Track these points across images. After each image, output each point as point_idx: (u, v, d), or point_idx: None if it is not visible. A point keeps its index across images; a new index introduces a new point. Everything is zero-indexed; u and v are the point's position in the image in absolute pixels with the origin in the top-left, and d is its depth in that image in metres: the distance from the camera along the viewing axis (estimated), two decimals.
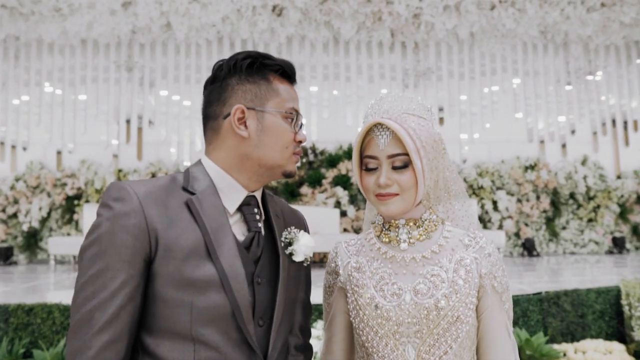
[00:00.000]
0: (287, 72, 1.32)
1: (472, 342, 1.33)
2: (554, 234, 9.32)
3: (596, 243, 9.41)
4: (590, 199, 9.46)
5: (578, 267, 7.29)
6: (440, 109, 9.81)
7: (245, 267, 1.22)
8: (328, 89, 9.71)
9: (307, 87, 9.57)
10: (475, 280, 1.31)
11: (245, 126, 1.27)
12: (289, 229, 1.35)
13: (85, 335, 1.11)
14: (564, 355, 4.21)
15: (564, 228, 9.42)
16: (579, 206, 9.48)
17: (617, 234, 9.44)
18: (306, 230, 1.46)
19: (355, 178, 1.40)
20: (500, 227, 9.04)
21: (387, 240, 1.37)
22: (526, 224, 9.29)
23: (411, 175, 1.30)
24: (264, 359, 1.23)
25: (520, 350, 4.01)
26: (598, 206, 9.44)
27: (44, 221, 8.96)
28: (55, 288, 5.88)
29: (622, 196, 9.48)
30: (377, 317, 1.31)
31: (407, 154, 1.30)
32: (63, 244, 7.75)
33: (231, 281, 1.18)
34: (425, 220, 1.36)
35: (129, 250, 1.15)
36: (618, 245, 9.16)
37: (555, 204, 9.37)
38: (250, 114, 1.26)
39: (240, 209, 1.29)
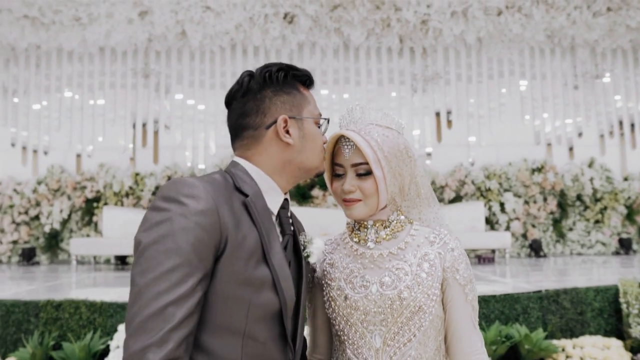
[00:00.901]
0: (310, 81, 1.44)
1: (437, 332, 1.42)
2: (561, 235, 9.47)
3: (603, 244, 9.54)
4: (597, 200, 9.59)
5: (585, 268, 7.44)
6: (449, 112, 9.99)
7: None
8: (338, 93, 9.94)
9: (318, 91, 9.81)
10: (439, 274, 1.41)
11: (289, 134, 1.35)
12: (303, 233, 1.45)
13: (161, 330, 1.08)
14: (563, 350, 4.40)
15: (570, 229, 9.57)
16: (586, 208, 9.62)
17: (624, 235, 9.56)
18: (302, 227, 1.56)
19: (327, 183, 1.51)
20: (508, 228, 9.21)
21: (357, 239, 1.47)
22: (533, 226, 9.45)
23: (373, 182, 1.40)
24: (292, 347, 1.33)
25: (519, 345, 4.22)
26: (605, 208, 9.58)
27: (64, 223, 9.28)
28: (77, 287, 6.17)
29: (629, 198, 9.60)
30: (347, 307, 1.41)
31: (367, 162, 1.39)
32: (84, 244, 8.05)
33: (282, 281, 1.25)
34: (393, 221, 1.46)
35: (205, 248, 1.15)
36: (624, 246, 9.29)
37: (562, 206, 9.51)
38: (291, 122, 1.35)
39: (278, 212, 1.36)
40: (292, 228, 1.38)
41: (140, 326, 1.08)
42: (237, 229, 1.20)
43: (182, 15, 8.82)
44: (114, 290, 5.52)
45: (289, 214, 1.40)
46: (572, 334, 4.67)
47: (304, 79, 1.41)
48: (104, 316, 4.37)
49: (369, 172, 1.40)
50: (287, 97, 1.36)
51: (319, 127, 1.41)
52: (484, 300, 4.51)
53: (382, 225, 1.46)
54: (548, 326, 4.60)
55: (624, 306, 4.74)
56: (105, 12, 8.83)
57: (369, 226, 1.46)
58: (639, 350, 4.53)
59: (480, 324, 4.39)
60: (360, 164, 1.40)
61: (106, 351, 4.17)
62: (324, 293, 1.49)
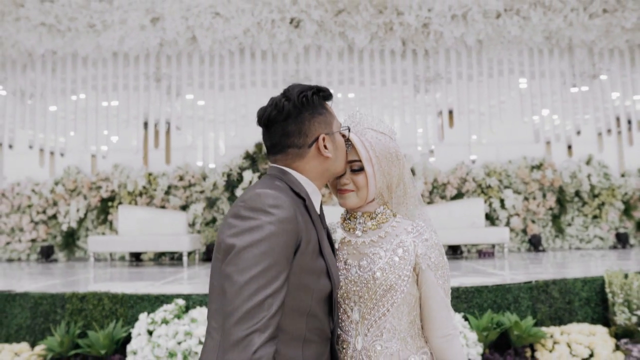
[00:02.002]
0: (331, 96, 1.64)
1: (410, 308, 1.62)
2: (559, 230, 9.76)
3: (601, 239, 9.82)
4: (595, 196, 9.87)
5: (582, 261, 7.72)
6: (450, 112, 10.30)
7: None
8: (343, 92, 10.27)
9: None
10: (411, 259, 1.61)
11: (327, 149, 1.57)
12: (329, 223, 1.73)
13: (263, 317, 1.31)
14: (551, 336, 4.72)
15: (569, 225, 9.86)
16: (584, 204, 9.90)
17: (622, 230, 9.84)
18: None
19: None
20: (508, 224, 9.51)
21: (347, 228, 1.71)
22: (533, 221, 9.74)
23: (364, 177, 1.64)
24: (332, 320, 1.59)
25: (509, 331, 4.54)
26: (603, 203, 9.85)
27: (80, 222, 9.68)
28: (96, 281, 6.52)
29: (626, 194, 9.87)
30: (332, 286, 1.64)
31: (359, 160, 1.65)
32: (101, 242, 8.43)
33: (332, 269, 1.53)
34: (379, 213, 1.68)
35: (290, 249, 1.39)
36: (622, 240, 9.56)
37: (561, 202, 9.80)
38: (327, 138, 1.57)
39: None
40: (326, 224, 1.66)
41: (245, 315, 1.30)
42: (306, 230, 1.45)
43: (193, 21, 9.18)
44: (132, 284, 5.89)
45: (322, 211, 1.66)
46: (560, 321, 4.98)
47: (328, 96, 1.62)
48: (125, 307, 4.73)
49: (361, 169, 1.64)
50: (321, 117, 1.57)
51: (342, 136, 1.65)
52: (477, 291, 4.83)
53: (369, 216, 1.68)
54: (537, 314, 4.92)
55: (609, 295, 5.05)
56: (119, 19, 9.21)
57: (358, 216, 1.69)
58: (624, 336, 4.84)
59: (473, 312, 4.73)
60: (355, 161, 1.65)
61: (128, 338, 4.53)
62: None
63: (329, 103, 1.64)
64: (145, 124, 10.17)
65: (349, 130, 1.65)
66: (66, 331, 4.57)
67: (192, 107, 10.22)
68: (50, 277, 6.85)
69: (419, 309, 1.66)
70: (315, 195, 1.58)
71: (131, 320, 4.68)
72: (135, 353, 4.19)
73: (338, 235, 1.69)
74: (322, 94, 1.59)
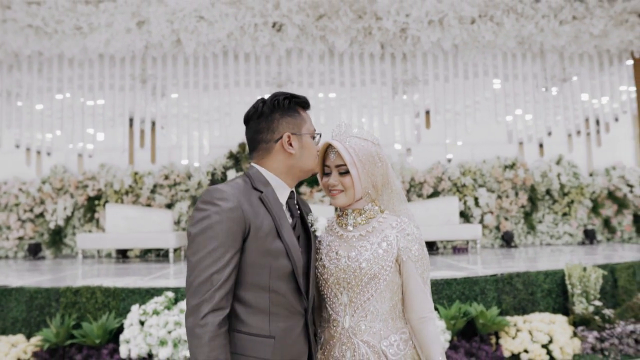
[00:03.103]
0: (308, 105, 1.89)
1: (392, 294, 1.87)
2: (531, 227, 10.22)
3: (570, 235, 10.30)
4: (565, 195, 10.34)
5: (552, 256, 8.14)
6: (427, 112, 10.69)
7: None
8: (324, 92, 10.59)
9: (306, 91, 10.46)
10: (394, 251, 1.85)
11: (292, 146, 1.80)
12: (310, 214, 1.93)
13: (208, 291, 1.59)
14: (514, 325, 5.10)
15: (540, 222, 10.32)
16: (555, 201, 10.37)
17: (589, 227, 10.32)
18: (310, 209, 2.04)
19: (319, 179, 2.01)
20: (482, 221, 9.93)
21: (340, 224, 1.97)
22: (506, 218, 10.18)
23: (350, 179, 1.88)
24: (306, 299, 1.80)
25: (475, 320, 4.92)
26: (572, 201, 10.33)
27: (68, 220, 9.89)
28: (86, 277, 6.75)
29: (594, 192, 10.36)
30: (325, 273, 1.89)
31: (345, 164, 1.89)
32: (89, 239, 8.65)
33: (292, 251, 1.73)
34: (367, 210, 1.93)
35: (234, 233, 1.64)
36: (589, 236, 10.04)
37: (533, 200, 10.25)
38: (294, 137, 1.80)
39: (287, 202, 1.84)
40: (298, 212, 1.88)
41: (196, 289, 1.60)
42: (256, 217, 1.69)
43: (178, 25, 9.44)
44: (121, 279, 6.15)
45: (296, 202, 1.89)
46: (524, 311, 5.38)
47: (303, 104, 1.87)
48: (117, 300, 5.02)
49: (347, 172, 1.88)
50: (291, 119, 1.81)
51: (314, 139, 1.87)
52: (446, 283, 5.21)
53: (359, 212, 1.93)
54: (502, 305, 5.31)
55: (569, 287, 5.46)
56: (105, 22, 9.43)
57: (349, 213, 1.95)
58: (581, 324, 5.25)
59: (442, 303, 5.11)
60: (341, 165, 1.89)
61: (120, 329, 4.82)
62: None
63: (306, 111, 1.87)
64: (131, 124, 10.39)
65: (320, 136, 1.89)
66: (61, 323, 4.83)
67: (176, 106, 10.47)
68: (40, 274, 7.06)
69: (400, 294, 1.90)
70: (282, 189, 1.81)
71: (122, 312, 4.97)
72: (128, 342, 4.49)
73: (320, 224, 1.90)
74: (296, 101, 1.83)
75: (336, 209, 2.02)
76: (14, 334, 5.06)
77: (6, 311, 5.17)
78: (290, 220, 1.81)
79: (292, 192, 1.85)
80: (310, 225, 1.89)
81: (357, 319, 1.85)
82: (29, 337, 5.03)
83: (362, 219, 1.93)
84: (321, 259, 1.92)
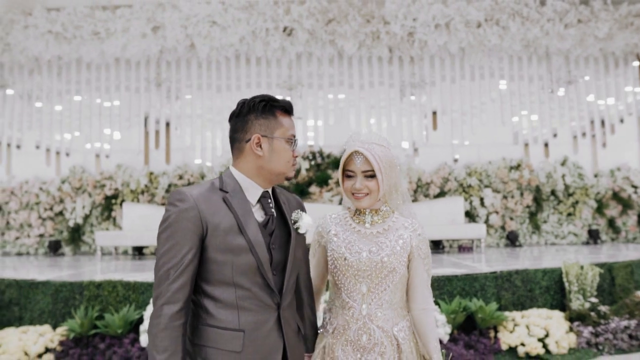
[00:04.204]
0: (288, 109, 1.90)
1: (403, 286, 2.10)
2: (536, 227, 10.43)
3: (575, 235, 10.50)
4: (570, 195, 10.53)
5: (556, 255, 8.34)
6: (434, 114, 10.95)
7: (264, 237, 1.82)
8: (334, 93, 10.89)
9: (316, 92, 10.78)
10: (408, 249, 2.08)
11: (261, 148, 1.83)
12: (296, 211, 1.97)
13: (164, 284, 1.70)
14: (512, 320, 5.35)
15: (545, 222, 10.52)
16: (559, 202, 10.57)
17: (594, 227, 10.51)
18: (304, 207, 2.07)
19: (340, 183, 2.12)
20: (487, 221, 10.16)
21: (357, 221, 2.13)
22: (511, 218, 10.40)
23: (375, 182, 2.04)
24: (279, 294, 1.84)
25: (475, 314, 5.17)
26: (577, 202, 10.52)
27: (86, 218, 10.25)
28: (105, 272, 7.06)
29: (598, 193, 10.54)
30: (345, 265, 2.05)
31: (373, 170, 2.02)
32: (107, 237, 9.02)
33: (256, 247, 1.77)
34: (382, 210, 2.13)
35: (190, 232, 1.72)
36: (593, 236, 10.23)
37: (538, 200, 10.46)
38: (264, 140, 1.84)
39: (259, 200, 1.88)
40: (272, 210, 1.90)
41: (156, 282, 1.73)
42: (214, 216, 1.76)
43: (191, 30, 9.76)
44: (139, 274, 6.46)
45: (272, 201, 1.92)
46: (522, 307, 5.63)
47: (281, 108, 1.88)
48: (137, 293, 5.33)
49: (372, 176, 2.03)
50: (264, 121, 1.84)
51: (290, 144, 1.88)
52: (447, 279, 5.47)
53: (376, 212, 2.12)
54: (502, 300, 5.56)
55: (566, 284, 5.70)
56: (122, 27, 9.78)
57: (367, 213, 2.12)
58: (577, 319, 5.48)
59: (443, 298, 5.37)
60: (368, 170, 2.03)
61: (140, 320, 5.13)
62: (329, 254, 2.11)
63: (288, 116, 1.90)
64: (146, 125, 10.74)
65: (294, 138, 1.92)
66: (85, 314, 5.16)
67: (190, 108, 10.80)
68: (61, 269, 7.40)
69: (406, 286, 2.14)
70: (252, 189, 1.86)
71: (142, 305, 5.28)
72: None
73: (305, 222, 1.96)
74: (274, 104, 1.86)
75: (356, 209, 2.16)
76: (41, 324, 5.39)
77: (33, 303, 5.51)
78: (261, 219, 1.85)
79: (266, 192, 1.90)
80: (292, 222, 1.93)
81: (374, 307, 2.03)
82: (54, 327, 5.36)
83: (378, 218, 2.12)
84: (342, 251, 2.06)
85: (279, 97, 1.94)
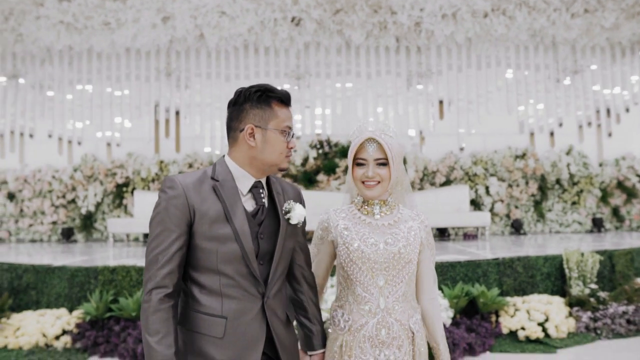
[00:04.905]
0: (284, 100, 1.86)
1: (414, 277, 2.07)
2: (540, 215, 10.55)
3: (579, 223, 10.61)
4: (575, 184, 10.63)
5: (560, 243, 8.45)
6: (440, 102, 11.05)
7: (251, 227, 1.81)
8: (341, 82, 11.01)
9: (323, 83, 10.90)
10: (418, 239, 2.06)
11: (254, 138, 1.81)
12: (288, 201, 1.92)
13: (153, 269, 1.72)
14: (514, 305, 5.50)
15: (549, 210, 10.64)
16: (564, 191, 10.67)
17: (598, 215, 10.61)
18: (301, 197, 2.04)
19: (349, 170, 2.09)
20: (492, 209, 10.29)
21: (365, 212, 2.08)
22: (516, 207, 10.52)
23: (387, 171, 2.01)
24: (264, 284, 1.82)
25: (477, 299, 5.33)
26: (581, 190, 10.62)
27: (98, 205, 10.48)
28: (118, 257, 7.27)
29: (603, 182, 10.63)
30: (362, 258, 1.99)
31: (385, 158, 2.01)
32: (120, 224, 9.24)
33: (241, 236, 1.77)
34: (389, 202, 2.09)
35: (177, 218, 1.73)
36: (597, 225, 10.34)
37: (542, 189, 10.57)
38: (257, 130, 1.81)
39: (251, 190, 1.86)
40: (263, 200, 1.88)
41: (146, 266, 1.75)
42: (202, 204, 1.77)
43: (201, 20, 9.89)
44: None
45: (263, 192, 1.89)
46: (523, 292, 5.78)
47: (280, 99, 1.85)
48: None
49: (384, 164, 2.01)
50: (259, 111, 1.82)
51: (285, 136, 1.85)
52: (451, 265, 5.62)
53: (384, 203, 2.08)
54: (503, 286, 5.71)
55: (567, 271, 5.84)
56: (132, 18, 9.91)
57: (375, 204, 2.08)
58: (577, 305, 5.62)
59: (446, 284, 5.53)
60: (380, 158, 2.01)
61: None
62: (340, 249, 2.05)
63: (286, 107, 1.87)
64: (156, 114, 10.91)
65: (290, 129, 1.88)
66: (100, 298, 5.36)
67: (200, 99, 10.96)
68: (75, 256, 7.59)
69: (415, 277, 2.12)
70: (244, 179, 1.85)
71: None
72: None
73: (297, 213, 1.91)
74: (270, 94, 1.83)
75: (363, 200, 2.11)
76: (57, 308, 5.60)
77: (50, 288, 5.71)
78: (251, 208, 1.85)
79: (259, 182, 1.89)
80: (283, 213, 1.90)
81: (392, 300, 1.99)
82: (70, 310, 5.56)
83: (387, 209, 2.09)
84: (358, 245, 2.01)
85: (283, 87, 1.98)
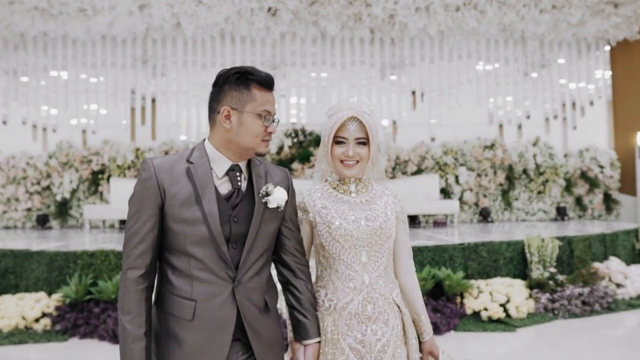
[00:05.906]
0: (263, 84, 1.81)
1: (392, 251, 2.09)
2: (508, 204, 10.94)
3: (544, 212, 11.04)
4: (540, 174, 11.04)
5: (525, 230, 8.79)
6: (413, 93, 11.33)
7: (223, 210, 1.79)
8: (317, 72, 11.21)
9: (299, 70, 11.08)
10: (395, 214, 2.08)
11: (230, 121, 1.78)
12: (267, 185, 1.86)
13: (128, 249, 1.76)
14: (477, 287, 5.81)
15: (516, 199, 11.04)
16: (530, 180, 11.08)
17: (562, 204, 11.05)
18: (288, 181, 1.99)
19: (326, 149, 2.04)
20: (461, 197, 10.64)
21: (342, 191, 2.08)
22: (484, 195, 10.89)
23: (367, 150, 2.02)
24: (235, 269, 1.79)
25: (442, 282, 5.62)
26: (547, 180, 11.04)
27: (73, 192, 10.50)
28: (93, 244, 7.36)
29: (567, 172, 11.07)
30: (345, 236, 1.99)
31: (366, 137, 2.00)
32: (96, 210, 9.31)
33: (209, 219, 1.75)
34: (365, 179, 2.11)
35: (148, 200, 1.75)
36: (561, 213, 10.78)
37: (510, 179, 10.96)
38: (233, 113, 1.78)
39: (227, 173, 1.84)
40: (239, 183, 1.85)
41: (123, 246, 1.79)
42: (173, 186, 1.77)
43: (178, 9, 9.95)
44: None
45: (239, 175, 1.85)
46: (487, 276, 6.10)
47: (260, 82, 1.81)
48: None
49: (364, 143, 2.01)
50: (236, 93, 1.79)
51: (263, 120, 1.81)
52: (419, 250, 5.90)
53: (359, 181, 2.09)
54: (468, 270, 6.01)
55: (528, 255, 6.17)
56: (108, 5, 9.92)
57: (351, 182, 2.09)
58: (537, 287, 5.96)
59: (414, 267, 5.79)
60: (361, 137, 2.01)
61: None
62: (320, 228, 2.04)
63: (267, 90, 1.82)
64: (132, 102, 10.95)
65: (269, 113, 1.82)
66: (79, 281, 5.49)
67: (176, 85, 11.03)
68: (51, 241, 7.64)
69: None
70: (220, 162, 1.83)
71: None
72: None
73: (276, 196, 1.85)
74: (250, 77, 1.80)
75: (338, 179, 2.12)
76: (36, 292, 5.71)
77: (29, 272, 5.82)
78: (226, 191, 1.82)
79: (236, 165, 1.85)
80: (260, 196, 1.84)
81: (375, 275, 2.01)
82: (49, 294, 5.68)
83: (362, 187, 2.10)
84: (339, 222, 2.01)
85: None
